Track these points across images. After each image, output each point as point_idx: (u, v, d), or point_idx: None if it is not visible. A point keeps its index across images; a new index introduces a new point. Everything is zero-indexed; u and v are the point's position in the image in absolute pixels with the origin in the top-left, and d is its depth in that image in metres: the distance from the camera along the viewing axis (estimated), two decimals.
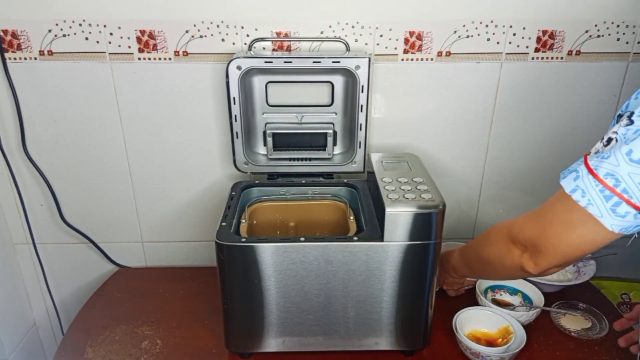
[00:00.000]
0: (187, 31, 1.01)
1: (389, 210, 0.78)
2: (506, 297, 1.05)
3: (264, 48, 1.03)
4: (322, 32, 1.02)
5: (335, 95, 1.04)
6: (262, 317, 0.86)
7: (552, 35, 1.03)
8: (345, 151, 1.08)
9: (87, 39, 1.01)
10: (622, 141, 0.55)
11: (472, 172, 1.16)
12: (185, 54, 1.03)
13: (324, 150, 1.06)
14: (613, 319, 1.00)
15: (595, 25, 1.02)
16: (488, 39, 1.03)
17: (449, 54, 1.04)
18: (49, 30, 1.00)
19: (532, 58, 1.05)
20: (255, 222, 0.98)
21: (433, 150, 1.13)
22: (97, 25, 1.00)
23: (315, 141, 1.06)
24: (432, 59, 1.04)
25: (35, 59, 1.02)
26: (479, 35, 1.02)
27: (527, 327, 0.94)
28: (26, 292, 1.26)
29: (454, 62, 1.05)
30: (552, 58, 1.05)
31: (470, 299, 1.03)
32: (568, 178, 0.60)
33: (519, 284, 1.04)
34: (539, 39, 1.03)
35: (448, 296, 1.06)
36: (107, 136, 1.10)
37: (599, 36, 1.03)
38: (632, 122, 0.56)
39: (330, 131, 1.04)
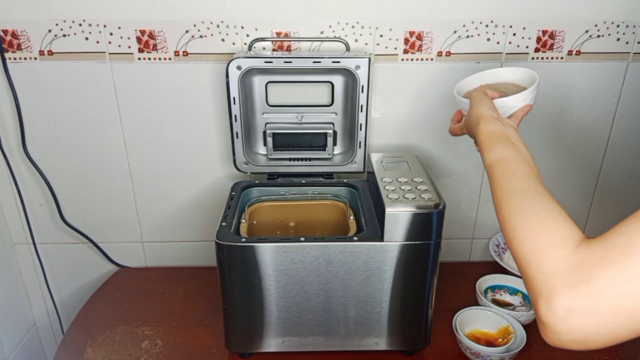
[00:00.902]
0: (187, 31, 1.01)
1: (389, 210, 0.78)
2: (506, 297, 1.05)
3: (264, 48, 1.03)
4: (322, 32, 1.02)
5: (335, 95, 1.04)
6: (262, 317, 0.86)
7: (552, 35, 1.03)
8: (345, 151, 1.08)
9: (87, 39, 1.01)
10: None
11: (472, 172, 1.16)
12: (185, 54, 1.03)
13: (324, 150, 1.06)
14: None
15: (595, 25, 1.02)
16: (488, 39, 1.03)
17: (449, 54, 1.04)
18: (49, 30, 1.00)
19: (532, 58, 1.05)
20: (255, 222, 0.98)
21: (433, 150, 1.13)
22: (97, 25, 1.00)
23: (315, 141, 1.06)
24: (432, 59, 1.04)
25: (35, 59, 1.02)
26: (479, 35, 1.02)
27: (527, 327, 0.94)
28: (26, 292, 1.26)
29: (454, 62, 1.05)
30: (552, 58, 1.05)
31: (470, 299, 1.03)
32: None
33: (519, 283, 1.04)
34: (539, 39, 1.03)
35: (448, 295, 1.05)
36: (107, 136, 1.10)
37: (599, 36, 1.03)
38: None
39: (330, 131, 1.04)
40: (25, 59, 1.02)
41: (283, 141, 1.05)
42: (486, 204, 1.19)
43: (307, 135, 1.05)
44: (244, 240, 0.81)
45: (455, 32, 1.02)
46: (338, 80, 1.03)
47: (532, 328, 0.97)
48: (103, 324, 1.02)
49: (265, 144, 1.05)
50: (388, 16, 1.01)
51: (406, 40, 1.03)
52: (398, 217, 0.78)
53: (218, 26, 1.00)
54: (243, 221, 0.92)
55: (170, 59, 1.03)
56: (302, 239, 0.81)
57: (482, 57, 1.04)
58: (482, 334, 0.95)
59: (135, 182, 1.15)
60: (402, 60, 1.04)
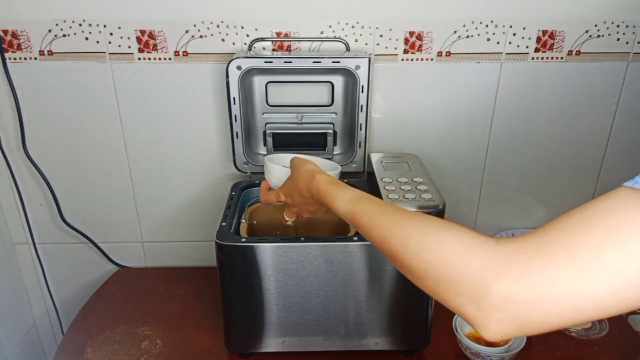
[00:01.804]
0: (187, 31, 1.01)
1: None
2: None
3: (264, 48, 1.03)
4: (322, 32, 1.02)
5: (335, 95, 1.04)
6: (262, 317, 0.86)
7: (552, 35, 1.03)
8: (345, 151, 1.08)
9: (87, 39, 1.01)
10: None
11: (472, 172, 1.16)
12: (185, 54, 1.03)
13: (324, 150, 1.06)
14: (613, 319, 1.01)
15: (595, 25, 1.02)
16: (488, 39, 1.03)
17: (449, 54, 1.04)
18: (49, 30, 1.00)
19: (532, 58, 1.05)
20: (255, 222, 0.98)
21: (433, 150, 1.13)
22: (97, 25, 1.00)
23: (315, 141, 1.06)
24: (432, 59, 1.04)
25: (35, 59, 1.02)
26: (479, 35, 1.02)
27: None
28: (26, 292, 1.26)
29: (454, 62, 1.05)
30: (552, 58, 1.05)
31: None
32: None
33: None
34: (539, 39, 1.03)
35: None
36: (107, 136, 1.10)
37: (599, 36, 1.03)
38: None
39: (330, 131, 1.04)
40: (25, 59, 1.02)
41: (283, 141, 1.05)
42: (486, 203, 1.19)
43: (307, 135, 1.05)
44: (244, 240, 0.81)
45: (455, 32, 1.02)
46: (338, 80, 1.03)
47: None
48: (103, 324, 1.02)
49: (265, 144, 1.05)
50: (388, 16, 1.01)
51: (406, 40, 1.03)
52: None
53: (218, 26, 1.00)
54: (243, 221, 0.92)
55: (170, 59, 1.03)
56: (302, 239, 0.81)
57: (482, 57, 1.04)
58: None
59: (135, 182, 1.15)
60: (402, 60, 1.04)
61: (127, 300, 1.10)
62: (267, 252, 0.80)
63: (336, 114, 1.06)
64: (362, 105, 0.99)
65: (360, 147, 1.03)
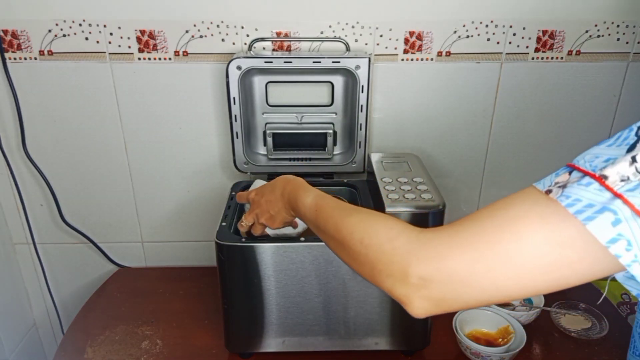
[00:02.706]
0: (187, 31, 1.01)
1: (389, 210, 0.78)
2: None
3: (264, 48, 1.03)
4: (322, 32, 1.02)
5: (335, 95, 1.04)
6: (262, 317, 0.86)
7: (552, 35, 1.03)
8: (345, 151, 1.08)
9: (87, 39, 1.01)
10: None
11: (472, 172, 1.16)
12: (185, 54, 1.03)
13: (324, 150, 1.06)
14: (613, 319, 1.01)
15: (595, 25, 1.02)
16: (488, 39, 1.03)
17: (449, 54, 1.04)
18: (49, 30, 1.00)
19: (532, 58, 1.05)
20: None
21: (433, 150, 1.13)
22: (97, 25, 1.00)
23: (315, 141, 1.06)
24: (432, 59, 1.04)
25: (35, 59, 1.02)
26: (479, 35, 1.02)
27: (527, 327, 0.94)
28: (26, 292, 1.26)
29: (454, 62, 1.05)
30: (552, 58, 1.05)
31: None
32: (598, 220, 0.38)
33: None
34: (539, 39, 1.03)
35: None
36: (107, 136, 1.10)
37: (599, 36, 1.03)
38: None
39: (330, 131, 1.04)
40: (25, 59, 1.02)
41: (283, 141, 1.05)
42: (486, 203, 1.18)
43: (307, 135, 1.05)
44: (244, 240, 0.81)
45: (455, 32, 1.02)
46: (338, 80, 1.03)
47: (532, 328, 0.97)
48: (103, 324, 1.02)
49: (265, 144, 1.05)
50: (388, 16, 1.01)
51: (406, 40, 1.03)
52: (398, 217, 0.78)
53: (218, 26, 1.00)
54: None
55: (170, 59, 1.03)
56: (302, 239, 0.81)
57: (482, 57, 1.04)
58: (482, 334, 0.95)
59: (135, 182, 1.15)
60: (402, 60, 1.04)
61: (127, 300, 1.10)
62: (267, 252, 0.80)
63: (336, 114, 1.06)
64: (362, 105, 0.99)
65: (360, 147, 1.03)
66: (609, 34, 1.03)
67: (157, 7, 0.99)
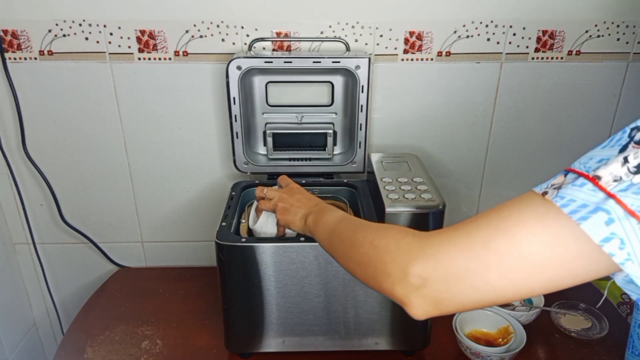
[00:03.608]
0: (187, 31, 1.01)
1: (389, 210, 0.78)
2: None
3: (264, 48, 1.03)
4: (322, 32, 1.02)
5: (335, 95, 1.04)
6: (262, 317, 0.86)
7: (552, 35, 1.03)
8: (345, 151, 1.08)
9: (87, 39, 1.01)
10: None
11: (472, 172, 1.16)
12: (185, 54, 1.03)
13: (324, 150, 1.06)
14: (613, 319, 1.01)
15: (595, 25, 1.02)
16: (488, 39, 1.03)
17: (449, 54, 1.04)
18: (49, 30, 1.00)
19: (532, 58, 1.05)
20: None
21: (433, 150, 1.13)
22: (97, 25, 1.00)
23: (315, 141, 1.06)
24: (432, 59, 1.04)
25: (35, 59, 1.02)
26: (479, 35, 1.02)
27: (527, 327, 0.94)
28: (26, 292, 1.26)
29: (454, 62, 1.05)
30: (552, 58, 1.05)
31: None
32: (592, 220, 0.38)
33: None
34: (539, 39, 1.03)
35: None
36: (107, 136, 1.10)
37: (599, 36, 1.03)
38: None
39: (330, 131, 1.04)
40: (25, 59, 1.02)
41: (283, 141, 1.05)
42: (486, 204, 1.19)
43: (307, 135, 1.05)
44: (244, 240, 0.81)
45: (455, 32, 1.02)
46: (338, 80, 1.03)
47: (532, 328, 0.97)
48: (103, 324, 1.02)
49: (265, 144, 1.05)
50: (388, 16, 1.01)
51: (406, 40, 1.03)
52: (398, 217, 0.78)
53: (218, 26, 1.00)
54: (243, 221, 0.92)
55: (170, 59, 1.03)
56: (302, 239, 0.81)
57: (482, 57, 1.04)
58: (482, 334, 0.95)
59: (135, 182, 1.15)
60: (402, 60, 1.04)
61: (127, 300, 1.10)
62: (267, 252, 0.80)
63: (336, 114, 1.06)
64: (362, 105, 0.99)
65: (360, 147, 1.03)
66: (609, 34, 1.03)
67: (157, 7, 0.99)
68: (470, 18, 1.01)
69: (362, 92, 0.98)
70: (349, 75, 1.00)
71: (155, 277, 1.18)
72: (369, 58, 0.96)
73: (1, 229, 1.17)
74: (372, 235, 0.56)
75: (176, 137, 1.10)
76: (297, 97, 1.05)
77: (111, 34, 1.01)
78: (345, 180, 1.04)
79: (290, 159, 1.06)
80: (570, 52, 1.04)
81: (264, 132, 1.04)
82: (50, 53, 1.02)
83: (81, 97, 1.06)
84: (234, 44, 1.02)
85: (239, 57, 0.94)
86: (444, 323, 0.97)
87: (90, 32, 1.00)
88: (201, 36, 1.01)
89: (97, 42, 1.01)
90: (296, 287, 0.83)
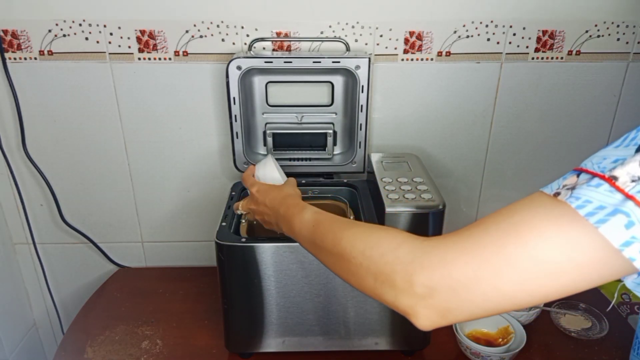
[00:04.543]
0: (187, 31, 1.01)
1: (389, 210, 0.78)
2: None
3: (264, 48, 1.03)
4: (322, 32, 1.02)
5: (335, 95, 1.04)
6: (262, 317, 0.86)
7: (552, 35, 1.03)
8: (345, 151, 1.08)
9: (87, 39, 1.01)
10: None
11: (472, 172, 1.16)
12: (185, 54, 1.03)
13: (324, 150, 1.06)
14: (613, 319, 1.01)
15: (595, 25, 1.02)
16: (488, 39, 1.03)
17: (449, 54, 1.04)
18: (49, 30, 1.00)
19: (532, 58, 1.05)
20: (255, 222, 0.98)
21: (433, 150, 1.13)
22: (97, 25, 1.00)
23: (315, 141, 1.06)
24: (432, 59, 1.04)
25: (35, 59, 1.02)
26: (479, 35, 1.02)
27: (527, 327, 0.94)
28: (26, 292, 1.26)
29: (454, 62, 1.05)
30: (552, 58, 1.05)
31: None
32: (611, 223, 0.36)
33: None
34: (539, 39, 1.03)
35: None
36: (107, 136, 1.10)
37: (599, 36, 1.03)
38: None
39: (330, 131, 1.04)
40: (25, 59, 1.02)
41: (283, 141, 1.05)
42: (486, 204, 1.19)
43: (307, 135, 1.05)
44: (244, 240, 0.81)
45: (455, 32, 1.02)
46: (338, 80, 1.03)
47: (532, 328, 0.97)
48: (103, 324, 1.02)
49: (265, 144, 1.05)
50: (388, 16, 1.01)
51: (406, 40, 1.03)
52: (398, 217, 0.78)
53: (218, 26, 1.00)
54: (243, 221, 0.92)
55: (170, 59, 1.03)
56: None
57: (482, 57, 1.04)
58: (482, 334, 0.95)
59: (135, 182, 1.15)
60: (402, 60, 1.04)
61: (127, 300, 1.10)
62: (267, 252, 0.80)
63: (336, 114, 1.06)
64: (362, 105, 0.99)
65: (360, 147, 1.03)
66: (609, 34, 1.03)
67: (157, 7, 0.99)
68: (470, 18, 1.01)
69: (362, 92, 0.98)
70: (349, 75, 1.00)
71: (155, 277, 1.18)
72: (369, 58, 0.96)
73: (1, 229, 1.17)
74: (361, 245, 0.52)
75: (176, 137, 1.10)
76: (297, 97, 1.05)
77: (111, 34, 1.01)
78: (345, 180, 1.04)
79: (290, 159, 1.06)
80: (570, 52, 1.04)
81: (264, 132, 1.04)
82: (50, 53, 1.02)
83: (81, 97, 1.06)
84: (234, 44, 1.02)
85: (239, 57, 0.94)
86: None
87: (90, 32, 1.00)
88: (201, 36, 1.01)
89: (97, 42, 1.01)
90: (296, 287, 0.83)
